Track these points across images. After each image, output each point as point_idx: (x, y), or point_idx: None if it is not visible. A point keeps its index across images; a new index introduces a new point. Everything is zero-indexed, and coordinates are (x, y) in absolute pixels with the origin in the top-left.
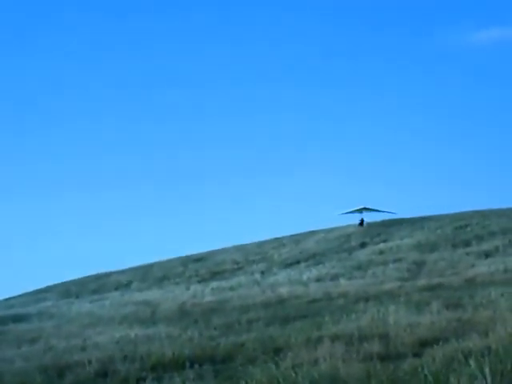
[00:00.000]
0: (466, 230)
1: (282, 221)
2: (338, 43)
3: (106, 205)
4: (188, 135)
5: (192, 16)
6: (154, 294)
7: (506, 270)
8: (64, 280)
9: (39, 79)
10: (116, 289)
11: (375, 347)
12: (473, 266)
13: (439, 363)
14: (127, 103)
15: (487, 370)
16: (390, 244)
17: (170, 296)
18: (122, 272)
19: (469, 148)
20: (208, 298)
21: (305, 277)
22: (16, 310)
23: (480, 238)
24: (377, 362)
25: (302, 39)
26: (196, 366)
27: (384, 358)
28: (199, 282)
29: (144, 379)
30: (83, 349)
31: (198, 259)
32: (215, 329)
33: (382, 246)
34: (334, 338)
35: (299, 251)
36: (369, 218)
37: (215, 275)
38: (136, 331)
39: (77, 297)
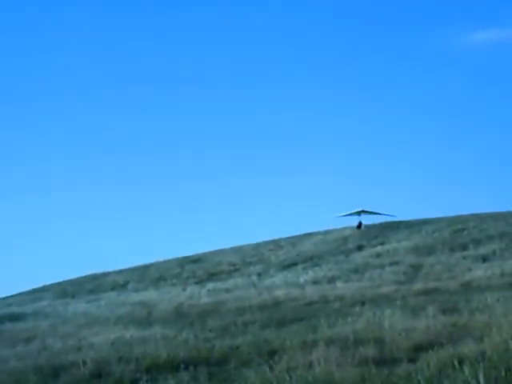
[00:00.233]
0: (463, 234)
1: (280, 222)
2: (337, 43)
3: (103, 205)
4: (187, 136)
5: (193, 15)
6: (150, 295)
7: (502, 275)
8: (61, 280)
9: (37, 77)
10: (112, 289)
11: (370, 351)
12: (469, 269)
13: (433, 369)
14: (126, 102)
15: (481, 377)
16: (387, 247)
17: (166, 297)
18: (119, 272)
19: (467, 150)
20: (204, 300)
21: (301, 279)
22: (12, 309)
23: (477, 242)
24: (371, 367)
25: (301, 39)
26: (191, 368)
27: (379, 362)
28: (196, 283)
29: (138, 381)
30: (78, 349)
31: (195, 260)
32: (211, 331)
33: (379, 248)
34: (329, 342)
35: (296, 253)
36: (367, 220)
37: (212, 276)
38: (131, 332)
39: (73, 297)
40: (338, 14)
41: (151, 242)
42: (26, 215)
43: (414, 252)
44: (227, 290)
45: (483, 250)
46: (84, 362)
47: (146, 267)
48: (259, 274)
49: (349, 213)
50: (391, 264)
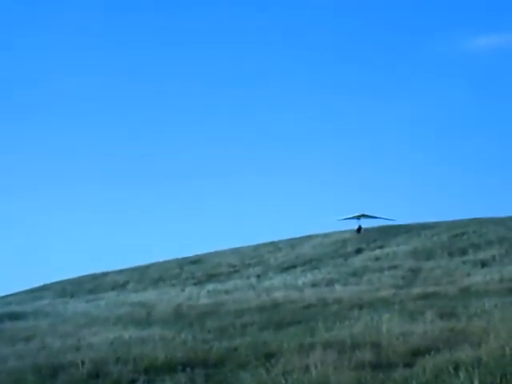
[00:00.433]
0: (462, 238)
1: (279, 225)
2: (340, 46)
3: (104, 204)
4: (187, 137)
5: (193, 14)
6: (149, 295)
7: (501, 280)
8: (61, 279)
9: (35, 73)
10: (112, 289)
11: (367, 355)
12: (468, 274)
13: (429, 374)
14: (127, 102)
15: (476, 382)
16: (386, 250)
17: (165, 298)
18: (119, 272)
19: (468, 155)
20: (203, 301)
21: (300, 282)
22: (12, 308)
23: (477, 247)
24: (368, 371)
25: (303, 41)
26: (188, 369)
27: (375, 366)
28: (195, 284)
29: (136, 381)
30: (77, 349)
31: (195, 261)
32: (209, 332)
33: (378, 252)
34: (327, 345)
35: (295, 256)
36: (366, 224)
37: (211, 278)
38: (130, 332)
39: (73, 296)
40: (337, 19)
41: (151, 242)
42: (27, 214)
43: (413, 256)
44: (226, 292)
45: (482, 255)
46: (82, 362)
47: (146, 267)
48: (258, 276)
49: (349, 216)
50: (390, 268)
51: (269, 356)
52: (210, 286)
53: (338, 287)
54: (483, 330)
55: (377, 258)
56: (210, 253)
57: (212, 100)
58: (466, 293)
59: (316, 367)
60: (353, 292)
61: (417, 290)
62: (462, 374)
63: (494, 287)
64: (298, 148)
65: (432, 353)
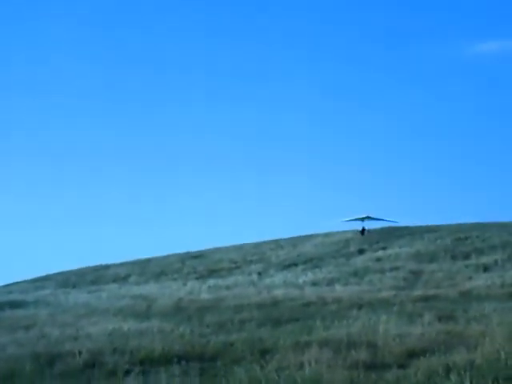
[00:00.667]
0: (465, 242)
1: (282, 223)
2: (342, 52)
3: (111, 198)
4: (191, 132)
5: (192, 12)
6: (151, 289)
7: (503, 285)
8: (64, 269)
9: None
10: (114, 281)
11: (362, 355)
12: (470, 278)
13: (422, 375)
14: (128, 99)
15: None
16: (388, 252)
17: (166, 291)
18: (121, 265)
19: (473, 159)
20: (204, 296)
21: (301, 280)
22: (14, 297)
23: (480, 251)
24: (361, 371)
25: (310, 43)
26: (183, 362)
27: (370, 366)
28: (197, 278)
29: (131, 372)
30: (75, 339)
31: (197, 256)
32: (208, 327)
33: (380, 253)
34: (323, 344)
35: (297, 254)
36: (370, 226)
37: (212, 273)
38: (129, 324)
39: (75, 287)
40: (340, 22)
41: (154, 237)
42: (34, 205)
43: (416, 258)
44: (227, 287)
45: (485, 260)
46: (80, 352)
47: (148, 261)
48: (259, 273)
49: (354, 218)
50: (392, 269)
51: (264, 352)
52: (212, 282)
53: (338, 287)
54: (480, 334)
55: (379, 259)
56: (213, 248)
57: (220, 97)
58: (467, 296)
59: (310, 365)
60: (353, 292)
61: (417, 292)
62: (453, 377)
63: (495, 292)
64: (304, 148)
65: (427, 355)
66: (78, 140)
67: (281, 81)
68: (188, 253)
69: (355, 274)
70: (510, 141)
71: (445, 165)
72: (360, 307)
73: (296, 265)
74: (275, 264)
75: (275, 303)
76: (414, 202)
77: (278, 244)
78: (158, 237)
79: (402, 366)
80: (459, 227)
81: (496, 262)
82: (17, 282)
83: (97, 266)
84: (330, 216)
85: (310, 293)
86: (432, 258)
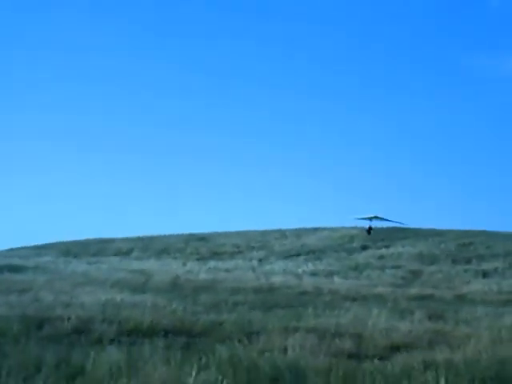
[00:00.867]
0: (469, 248)
1: (288, 216)
2: (358, 56)
3: (122, 176)
4: (199, 117)
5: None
6: (151, 265)
7: (499, 292)
8: (67, 239)
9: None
10: (115, 255)
11: (346, 345)
12: (468, 282)
13: (398, 368)
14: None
15: (442, 382)
16: (391, 250)
17: (166, 269)
18: (125, 240)
19: (483, 167)
20: (202, 276)
21: (300, 270)
22: (14, 261)
23: (481, 258)
24: (342, 359)
25: (321, 49)
26: (170, 336)
27: (351, 355)
28: (198, 259)
29: (115, 341)
30: (68, 305)
31: (201, 238)
32: (200, 305)
33: (383, 251)
34: (310, 331)
35: (300, 244)
36: (377, 226)
37: (214, 256)
38: (124, 296)
39: (76, 256)
40: (365, 29)
41: (161, 216)
42: (46, 178)
43: (417, 259)
44: (226, 270)
45: (486, 266)
46: (69, 318)
47: (152, 238)
48: (260, 260)
49: (362, 217)
50: (392, 267)
51: (251, 334)
52: (212, 264)
53: (336, 279)
54: (466, 335)
55: (381, 257)
56: (218, 232)
57: (237, 87)
58: (462, 299)
59: (294, 350)
60: (350, 285)
61: (413, 291)
62: (429, 373)
63: (491, 297)
64: (316, 147)
65: (410, 350)
66: (92, 116)
67: (294, 75)
68: (193, 234)
69: (355, 268)
70: None
71: (457, 171)
72: (354, 300)
73: (298, 255)
74: (277, 252)
75: (271, 289)
76: (423, 206)
77: (282, 234)
78: (165, 217)
79: (382, 358)
80: (464, 233)
81: (496, 269)
82: (19, 248)
83: (101, 239)
84: (339, 213)
85: (307, 282)
86: (433, 260)
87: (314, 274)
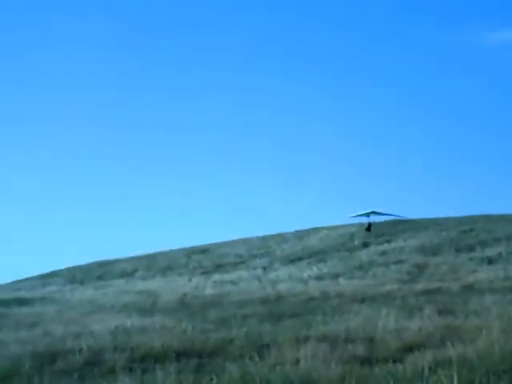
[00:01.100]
0: (470, 235)
1: (287, 217)
2: (351, 41)
3: (118, 194)
4: (195, 125)
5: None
6: (156, 284)
7: (506, 278)
8: (71, 265)
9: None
10: (121, 276)
11: (359, 350)
12: (474, 271)
13: (410, 370)
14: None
15: (455, 380)
16: (393, 245)
17: (172, 287)
18: (128, 260)
19: (480, 151)
20: (209, 291)
21: (305, 274)
22: (21, 294)
23: (484, 244)
24: (355, 366)
25: (310, 37)
26: (182, 359)
27: (364, 361)
28: (202, 273)
29: (129, 369)
30: (78, 336)
31: (203, 251)
32: (210, 322)
33: (385, 246)
34: (321, 339)
35: (302, 247)
36: (376, 219)
37: (218, 268)
38: (133, 321)
39: (82, 283)
40: (349, 10)
41: (161, 232)
42: (40, 202)
43: (420, 251)
44: (232, 283)
45: (489, 252)
46: (80, 350)
47: (155, 256)
48: (264, 268)
49: (359, 214)
50: (396, 262)
51: (262, 348)
52: (217, 277)
53: (342, 281)
54: (477, 328)
55: (383, 253)
56: (218, 243)
57: (230, 89)
58: (470, 289)
59: (306, 360)
60: (357, 286)
61: (420, 286)
62: (441, 372)
63: (497, 285)
64: (310, 143)
65: (422, 349)
66: (81, 137)
67: (287, 75)
68: (194, 247)
69: (360, 267)
70: None
71: (452, 157)
72: (362, 301)
73: (301, 259)
74: (280, 258)
75: (278, 298)
76: (419, 195)
77: (283, 237)
78: (164, 232)
79: (396, 361)
80: (465, 219)
81: (500, 254)
82: (24, 279)
83: (104, 262)
84: (335, 211)
85: (313, 287)
86: (437, 250)
87: (319, 277)
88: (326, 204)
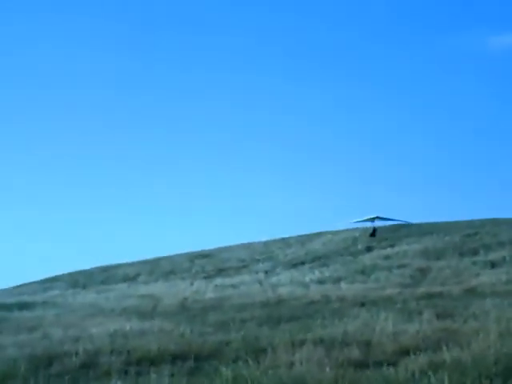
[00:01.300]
0: (474, 239)
1: (290, 221)
2: (353, 42)
3: (121, 198)
4: (197, 130)
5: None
6: (158, 288)
7: (508, 281)
8: (74, 270)
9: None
10: (123, 281)
11: (354, 354)
12: (477, 275)
13: (404, 373)
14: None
15: (446, 382)
16: (396, 249)
17: (173, 291)
18: (131, 265)
19: (483, 155)
20: (209, 295)
21: (307, 278)
22: (23, 298)
23: (488, 247)
24: (349, 369)
25: (311, 38)
26: (178, 362)
27: (359, 365)
28: (205, 277)
29: (124, 372)
30: (77, 340)
31: (205, 255)
32: (209, 326)
33: (388, 250)
34: (318, 342)
35: (304, 252)
36: (379, 224)
37: (220, 272)
38: (132, 324)
39: (84, 287)
40: (351, 10)
41: (163, 237)
42: (44, 206)
43: (424, 255)
44: (233, 286)
45: (493, 256)
46: (76, 353)
47: (157, 260)
48: (266, 272)
49: (363, 219)
50: (399, 267)
51: (258, 351)
52: (219, 281)
53: (344, 285)
54: (475, 331)
55: (387, 257)
56: (221, 247)
57: (233, 93)
58: (471, 293)
59: (301, 364)
60: (358, 290)
61: (422, 290)
62: (433, 375)
63: (499, 288)
64: (311, 149)
65: (417, 353)
66: (81, 137)
67: (290, 77)
68: (197, 252)
69: (362, 271)
70: None
71: (456, 162)
72: (362, 305)
73: (303, 263)
74: (283, 262)
75: (279, 302)
76: (424, 201)
77: (286, 242)
78: (167, 236)
79: (391, 364)
80: (469, 224)
81: (504, 258)
82: (26, 284)
83: (107, 266)
84: (338, 216)
85: (314, 291)
86: (440, 254)
87: (320, 281)
88: (330, 209)
